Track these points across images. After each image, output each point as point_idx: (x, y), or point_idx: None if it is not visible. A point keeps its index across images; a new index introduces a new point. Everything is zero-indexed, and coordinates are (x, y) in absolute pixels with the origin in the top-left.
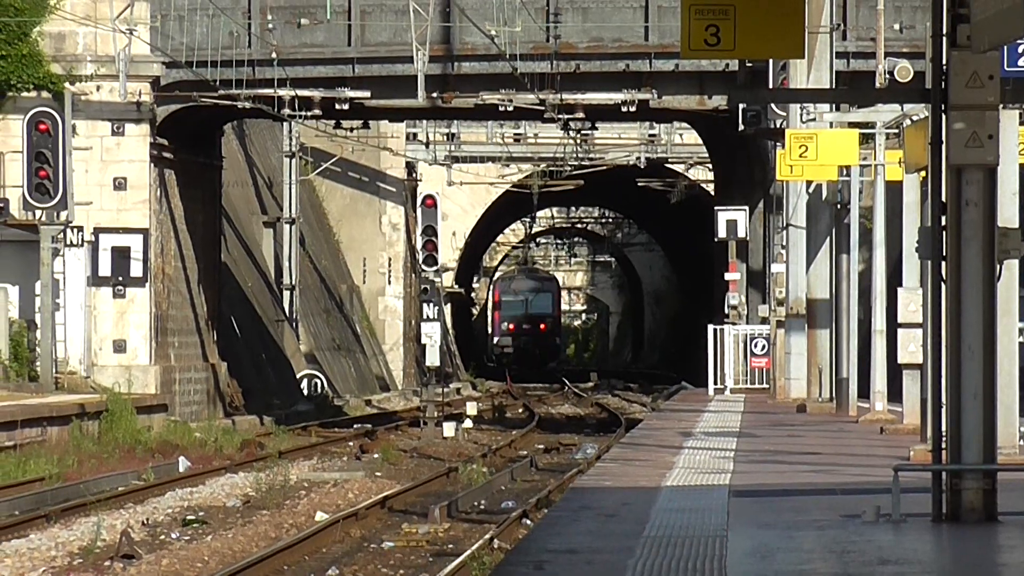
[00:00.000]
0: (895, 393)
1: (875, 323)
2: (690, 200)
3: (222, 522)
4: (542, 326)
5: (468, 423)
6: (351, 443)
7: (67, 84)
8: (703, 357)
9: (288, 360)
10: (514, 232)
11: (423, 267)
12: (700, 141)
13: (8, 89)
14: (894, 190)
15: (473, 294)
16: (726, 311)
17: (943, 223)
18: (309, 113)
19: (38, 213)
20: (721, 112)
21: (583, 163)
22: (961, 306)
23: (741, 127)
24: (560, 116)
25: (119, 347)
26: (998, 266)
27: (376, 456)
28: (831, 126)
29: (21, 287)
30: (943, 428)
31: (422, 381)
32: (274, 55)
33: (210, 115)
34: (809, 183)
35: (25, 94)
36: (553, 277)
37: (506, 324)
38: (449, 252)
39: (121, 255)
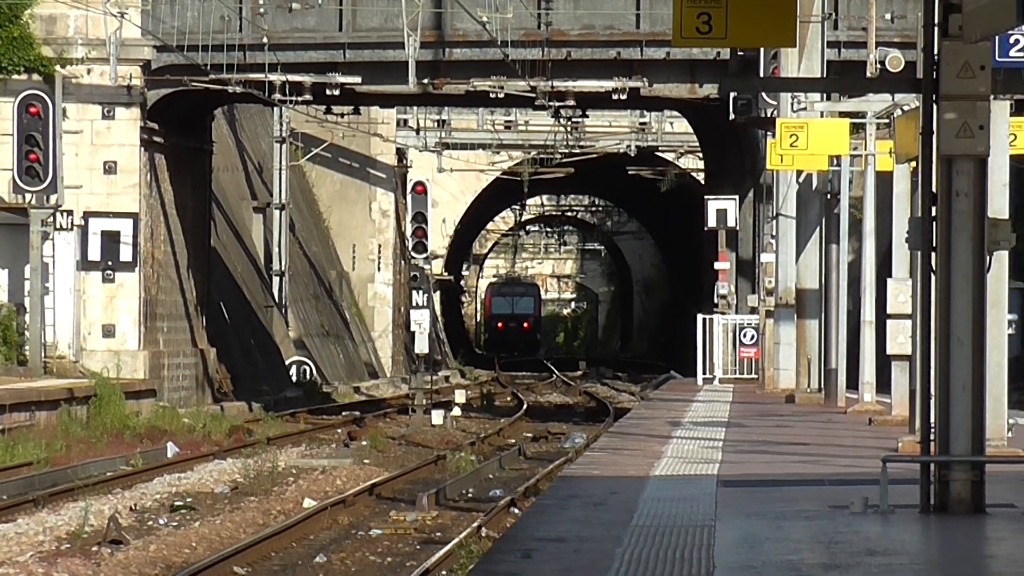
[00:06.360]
0: (884, 384)
1: (864, 314)
2: (680, 188)
3: (210, 508)
4: (525, 324)
5: (456, 411)
6: (339, 430)
7: (58, 67)
8: (692, 346)
9: (277, 346)
10: (504, 220)
11: (413, 254)
12: (691, 130)
13: None
14: (884, 180)
15: (462, 281)
16: (715, 300)
17: (933, 213)
18: (300, 98)
19: (28, 196)
20: (712, 101)
21: (573, 151)
22: (951, 297)
23: (732, 116)
24: (551, 103)
25: (108, 332)
26: (988, 257)
27: (364, 443)
28: (822, 115)
29: (10, 271)
30: (932, 419)
31: (411, 368)
32: (265, 40)
33: (201, 99)
34: (799, 173)
35: (15, 77)
36: (535, 283)
37: (496, 322)
38: (439, 239)
39: (111, 239)
